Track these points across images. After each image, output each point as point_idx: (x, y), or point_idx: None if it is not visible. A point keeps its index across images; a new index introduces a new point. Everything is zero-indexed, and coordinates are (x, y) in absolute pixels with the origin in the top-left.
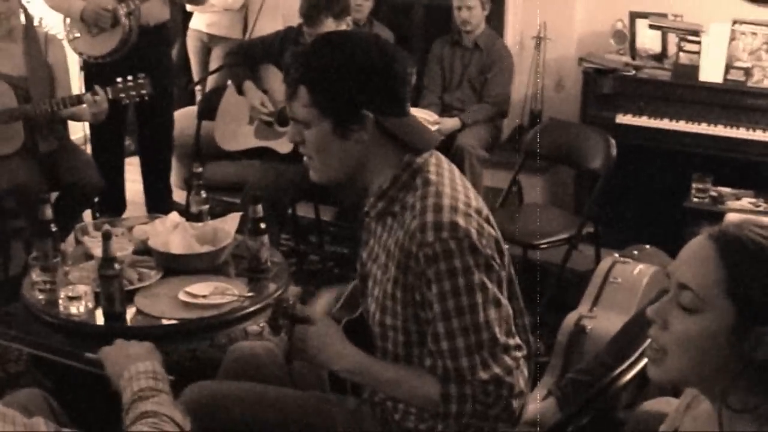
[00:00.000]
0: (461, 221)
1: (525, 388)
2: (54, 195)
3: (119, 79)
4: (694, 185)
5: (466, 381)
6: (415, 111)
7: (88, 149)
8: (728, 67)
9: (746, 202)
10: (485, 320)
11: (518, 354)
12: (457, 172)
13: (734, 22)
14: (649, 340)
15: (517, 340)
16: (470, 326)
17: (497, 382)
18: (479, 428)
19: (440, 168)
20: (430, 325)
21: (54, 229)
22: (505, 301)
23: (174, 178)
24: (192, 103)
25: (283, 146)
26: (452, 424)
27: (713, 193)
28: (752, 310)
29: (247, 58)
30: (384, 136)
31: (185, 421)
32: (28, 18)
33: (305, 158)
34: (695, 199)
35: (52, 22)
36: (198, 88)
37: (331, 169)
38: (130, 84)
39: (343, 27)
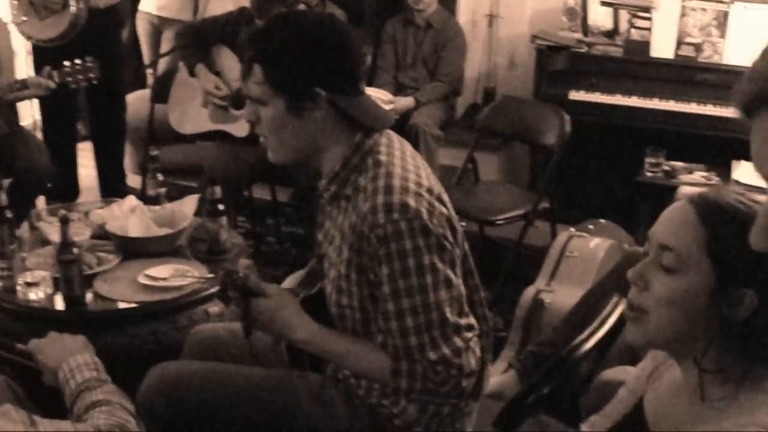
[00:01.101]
0: (412, 202)
1: (477, 367)
2: (6, 182)
3: (67, 63)
4: (647, 160)
5: (415, 360)
6: (369, 91)
7: (39, 135)
8: (679, 43)
9: (698, 175)
10: (435, 301)
11: (469, 334)
12: (409, 150)
13: None
14: (620, 306)
15: (470, 320)
16: (420, 306)
17: (446, 363)
18: (441, 402)
19: (391, 148)
20: (381, 304)
21: (9, 215)
22: (457, 280)
23: (128, 162)
24: (143, 86)
25: (239, 129)
26: (403, 399)
27: (666, 168)
28: (730, 270)
29: (199, 39)
30: (338, 115)
31: (131, 405)
32: None
33: (261, 138)
34: (648, 174)
35: None
36: (149, 71)
37: (287, 148)
38: (78, 67)
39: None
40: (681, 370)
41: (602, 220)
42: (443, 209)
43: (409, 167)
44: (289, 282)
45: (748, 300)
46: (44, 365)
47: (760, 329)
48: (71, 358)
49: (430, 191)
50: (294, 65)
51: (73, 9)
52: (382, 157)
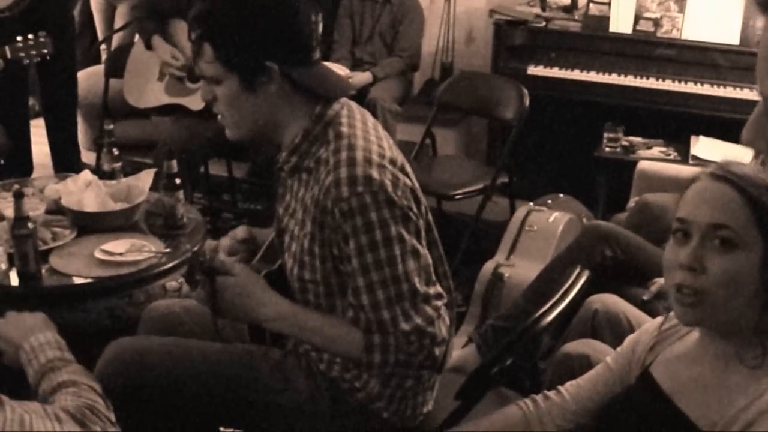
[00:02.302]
0: (375, 174)
1: (447, 336)
2: None
3: (19, 38)
4: (605, 135)
5: (389, 332)
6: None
7: None
8: (638, 18)
9: (657, 150)
10: (404, 272)
11: (439, 303)
12: (370, 121)
13: None
14: (582, 279)
15: (438, 289)
16: (389, 279)
17: (419, 333)
18: (403, 375)
19: (352, 119)
20: (350, 278)
21: None
22: (423, 250)
23: (82, 139)
24: (98, 62)
25: (195, 103)
26: (377, 372)
27: (624, 143)
28: None
29: (154, 12)
30: (293, 87)
31: (97, 384)
32: None
33: (219, 117)
34: (607, 149)
35: None
36: (103, 47)
37: (244, 125)
38: (30, 43)
39: None
40: (701, 338)
41: (561, 195)
42: (407, 180)
43: (371, 138)
44: (241, 232)
45: None
46: (4, 345)
47: None
48: (32, 336)
49: (393, 162)
50: (243, 41)
51: None
52: (344, 129)
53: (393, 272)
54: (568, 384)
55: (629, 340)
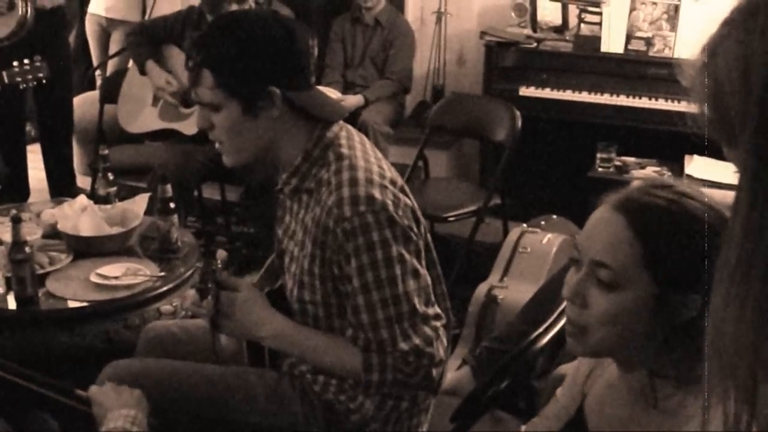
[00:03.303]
0: (377, 194)
1: (445, 356)
2: None
3: (15, 63)
4: (598, 155)
5: (387, 352)
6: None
7: None
8: (629, 38)
9: (650, 170)
10: (404, 291)
11: (437, 323)
12: (368, 143)
13: None
14: (564, 318)
15: (437, 309)
16: (390, 298)
17: (417, 353)
18: (398, 397)
19: (351, 141)
20: (350, 298)
21: None
22: (423, 270)
23: (77, 164)
24: (92, 88)
25: (189, 128)
26: (374, 392)
27: (618, 163)
28: (671, 278)
29: (149, 38)
30: (293, 111)
31: None
32: None
33: (216, 144)
34: (600, 169)
35: None
36: (98, 73)
37: (245, 150)
38: (27, 68)
39: (246, 7)
40: (619, 371)
41: (554, 216)
42: (407, 200)
43: (371, 159)
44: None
45: (691, 303)
46: (96, 413)
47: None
48: (117, 410)
49: (393, 183)
50: (245, 67)
51: (20, 10)
52: (344, 150)
53: (393, 292)
54: (532, 420)
55: (572, 367)
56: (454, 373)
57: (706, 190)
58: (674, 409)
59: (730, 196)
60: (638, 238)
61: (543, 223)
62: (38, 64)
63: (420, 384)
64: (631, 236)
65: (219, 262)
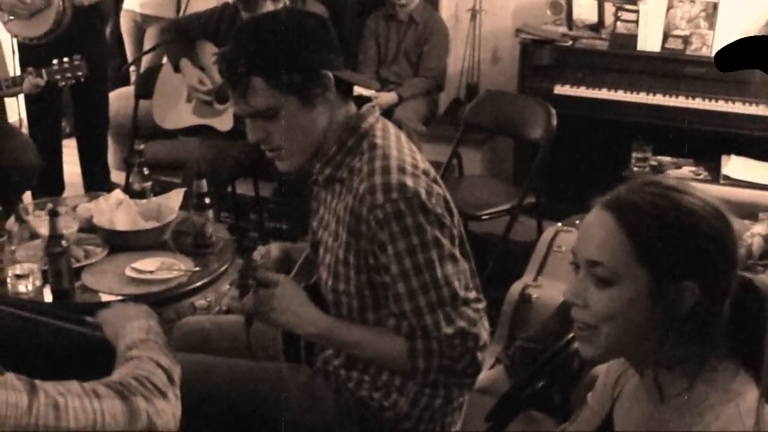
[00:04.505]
0: (409, 182)
1: (488, 339)
2: None
3: (55, 61)
4: (633, 154)
5: (432, 337)
6: None
7: (25, 132)
8: (666, 36)
9: (686, 170)
10: (443, 275)
11: (479, 306)
12: (403, 136)
13: None
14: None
15: (475, 294)
16: (430, 283)
17: (463, 335)
18: (435, 390)
19: (386, 132)
20: (390, 287)
21: None
22: (459, 256)
23: (111, 158)
24: (127, 84)
25: (223, 123)
26: (420, 380)
27: (653, 162)
28: (665, 269)
29: (183, 35)
30: (338, 92)
31: (173, 366)
32: None
33: (269, 153)
34: (635, 169)
35: None
36: (132, 68)
37: (304, 148)
38: (66, 66)
39: (280, 7)
40: (638, 373)
41: None
42: (440, 190)
43: (404, 150)
44: (275, 251)
45: (689, 292)
46: (108, 334)
47: (707, 317)
48: (128, 324)
49: (426, 173)
50: (294, 58)
51: (58, 7)
52: (378, 140)
53: (433, 276)
54: (564, 427)
55: (601, 373)
56: (488, 372)
57: (696, 185)
58: (688, 403)
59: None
60: (628, 233)
61: (578, 222)
62: (77, 62)
63: (466, 369)
64: (621, 232)
65: (259, 258)
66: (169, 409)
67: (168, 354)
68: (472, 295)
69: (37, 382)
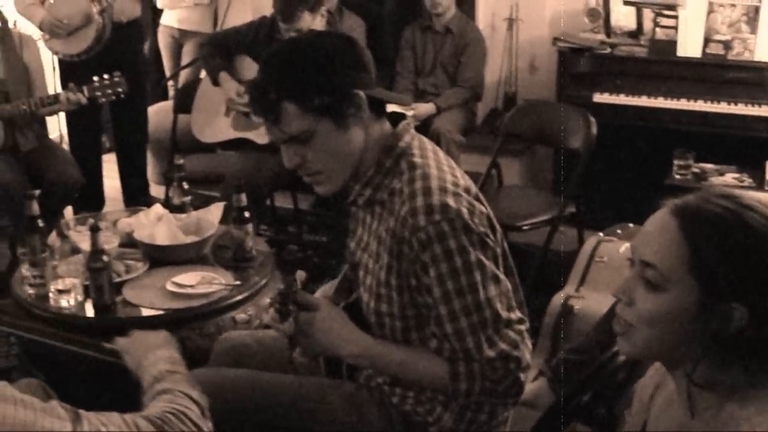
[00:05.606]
0: (452, 202)
1: (531, 361)
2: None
3: (95, 78)
4: (675, 162)
5: (474, 360)
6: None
7: (66, 148)
8: (707, 41)
9: (730, 177)
10: (486, 298)
11: (522, 327)
12: (441, 152)
13: None
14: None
15: (519, 314)
16: (472, 306)
17: (504, 358)
18: (480, 405)
19: (424, 150)
20: (432, 309)
21: (41, 224)
22: (502, 276)
23: (150, 173)
24: (165, 98)
25: (262, 136)
26: (462, 402)
27: (695, 170)
28: (716, 286)
29: (221, 49)
30: (371, 110)
31: (202, 397)
32: (4, 21)
33: (306, 178)
34: (677, 176)
35: (28, 23)
36: (170, 83)
37: (341, 170)
38: (107, 83)
39: (318, 19)
40: (674, 380)
41: (631, 225)
42: (482, 208)
43: (444, 168)
44: (321, 292)
45: (737, 315)
46: (129, 362)
47: (753, 343)
48: (151, 353)
49: (467, 191)
50: (325, 80)
51: (98, 24)
52: (417, 159)
53: (475, 299)
54: None
55: (639, 386)
56: (531, 385)
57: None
58: (718, 421)
59: None
60: (688, 242)
61: (619, 231)
62: (117, 79)
63: (508, 390)
64: (681, 240)
65: (299, 282)
66: None
67: (196, 386)
68: (515, 316)
69: (81, 411)
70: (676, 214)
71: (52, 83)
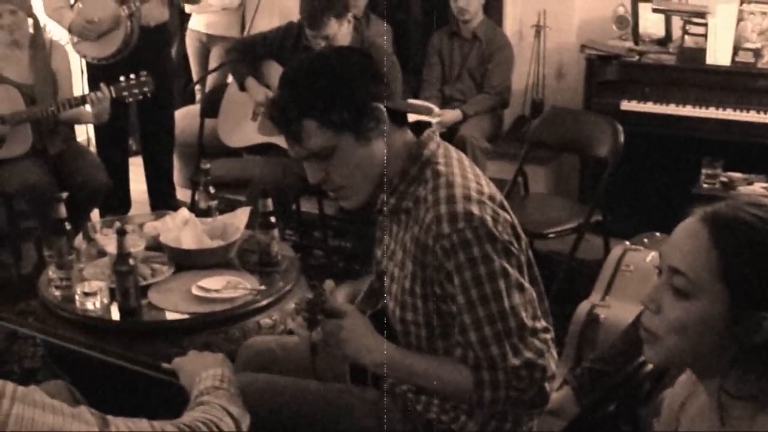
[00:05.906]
0: (476, 210)
1: (556, 369)
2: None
3: (122, 78)
4: (703, 171)
5: (498, 368)
6: (416, 103)
7: (93, 150)
8: (736, 49)
9: (758, 186)
10: (510, 306)
11: (547, 336)
12: (466, 160)
13: (742, 2)
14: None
15: (544, 323)
16: (496, 314)
17: (530, 367)
18: (504, 414)
19: (449, 158)
20: (456, 317)
21: (68, 227)
22: (527, 284)
23: (177, 177)
24: (192, 102)
25: None
26: (487, 411)
27: (723, 179)
28: (747, 294)
29: (248, 54)
30: (392, 122)
31: (243, 414)
32: (37, 26)
33: (331, 193)
34: (705, 185)
35: (57, 27)
36: (198, 87)
37: (366, 182)
38: (133, 82)
39: (345, 25)
40: (705, 390)
41: (657, 233)
42: (507, 216)
43: (469, 176)
44: (342, 292)
45: (766, 324)
46: (184, 382)
47: None
48: (204, 372)
49: (492, 198)
50: (344, 95)
51: (126, 28)
52: (441, 167)
53: (499, 307)
54: None
55: (667, 396)
56: (556, 394)
57: None
58: (738, 425)
59: None
60: (717, 250)
61: (646, 240)
62: (143, 78)
63: (533, 399)
64: (711, 247)
65: (328, 291)
66: None
67: (239, 404)
68: (540, 325)
69: (109, 417)
70: (707, 221)
71: (80, 88)
